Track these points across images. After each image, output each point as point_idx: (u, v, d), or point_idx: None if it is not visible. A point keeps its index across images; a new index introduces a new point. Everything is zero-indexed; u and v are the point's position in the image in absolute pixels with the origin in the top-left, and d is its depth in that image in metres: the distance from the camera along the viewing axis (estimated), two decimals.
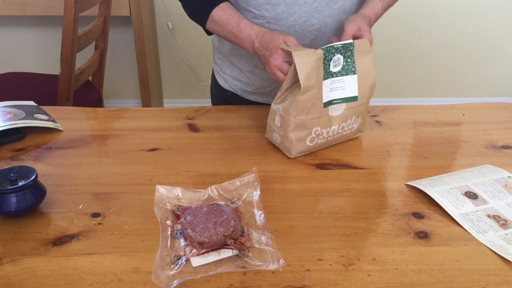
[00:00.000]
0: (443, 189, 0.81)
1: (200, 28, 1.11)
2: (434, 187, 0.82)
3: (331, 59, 0.89)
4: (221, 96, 1.26)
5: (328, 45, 0.88)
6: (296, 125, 0.90)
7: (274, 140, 0.96)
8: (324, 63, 0.88)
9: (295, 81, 0.88)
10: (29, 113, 1.06)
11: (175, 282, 0.62)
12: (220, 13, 1.02)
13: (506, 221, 0.75)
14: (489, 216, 0.76)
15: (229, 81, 1.22)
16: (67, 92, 1.60)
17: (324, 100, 0.91)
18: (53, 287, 0.63)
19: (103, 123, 1.10)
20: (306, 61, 0.85)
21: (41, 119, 1.05)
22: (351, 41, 0.90)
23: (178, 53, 2.69)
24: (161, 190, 0.78)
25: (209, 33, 1.10)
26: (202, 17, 1.05)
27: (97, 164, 0.92)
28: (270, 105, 0.95)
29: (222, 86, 1.24)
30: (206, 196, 0.79)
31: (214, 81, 1.28)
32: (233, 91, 1.22)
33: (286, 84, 0.89)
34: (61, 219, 0.76)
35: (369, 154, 0.96)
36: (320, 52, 0.87)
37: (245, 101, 1.21)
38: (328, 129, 0.94)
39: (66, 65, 1.56)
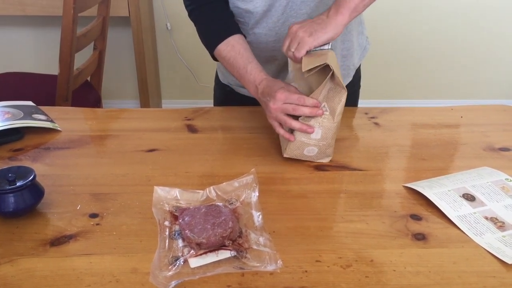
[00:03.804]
0: (441, 191, 0.81)
1: None
2: (432, 189, 0.82)
3: None
4: (222, 92, 1.29)
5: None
6: (337, 129, 0.90)
7: (305, 155, 0.91)
8: None
9: (325, 88, 0.87)
10: (28, 113, 1.06)
11: (173, 283, 0.62)
12: (229, 48, 1.01)
13: (503, 223, 0.75)
14: (486, 218, 0.76)
15: (227, 76, 1.24)
16: (65, 92, 1.60)
17: None
18: None
19: (102, 123, 1.10)
20: (335, 64, 0.86)
21: (39, 119, 1.05)
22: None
23: (177, 53, 2.69)
24: (159, 191, 0.78)
25: (215, 58, 1.10)
26: (210, 47, 1.06)
27: (95, 164, 0.92)
28: None
29: (222, 81, 1.27)
30: (204, 197, 0.79)
31: (216, 77, 1.31)
32: (230, 85, 1.24)
33: (318, 95, 0.87)
34: (59, 220, 0.76)
35: (367, 155, 0.96)
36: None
37: (243, 97, 1.22)
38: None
39: (65, 65, 1.55)
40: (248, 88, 1.00)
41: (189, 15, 1.10)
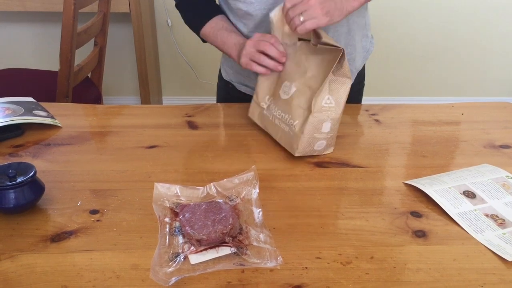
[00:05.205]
0: (441, 188, 0.81)
1: None
2: (433, 186, 0.82)
3: None
4: (224, 89, 1.30)
5: None
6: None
7: (315, 150, 0.91)
8: None
9: (326, 82, 0.87)
10: (28, 110, 1.06)
11: (173, 279, 0.62)
12: (213, 25, 1.09)
13: (503, 220, 0.75)
14: (487, 215, 0.76)
15: (230, 74, 1.25)
16: (66, 88, 1.60)
17: None
18: (51, 284, 0.63)
19: (102, 120, 1.10)
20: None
21: (40, 116, 1.05)
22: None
23: (178, 50, 2.69)
24: (160, 187, 0.78)
25: (204, 40, 1.16)
26: (196, 27, 1.12)
27: (95, 161, 0.92)
28: None
29: (224, 78, 1.28)
30: (205, 194, 0.79)
31: (220, 74, 1.32)
32: (232, 82, 1.25)
33: (320, 93, 0.87)
34: (60, 216, 0.76)
35: (368, 152, 0.96)
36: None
37: (245, 95, 1.22)
38: None
39: (65, 61, 1.55)
40: (230, 51, 1.05)
41: (177, 6, 1.16)
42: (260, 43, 0.94)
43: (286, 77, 0.95)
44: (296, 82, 0.93)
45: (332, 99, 0.88)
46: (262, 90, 1.00)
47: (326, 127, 0.89)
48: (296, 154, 0.91)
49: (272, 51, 0.93)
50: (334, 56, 0.85)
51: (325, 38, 0.88)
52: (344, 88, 0.88)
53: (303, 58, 0.93)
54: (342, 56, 0.85)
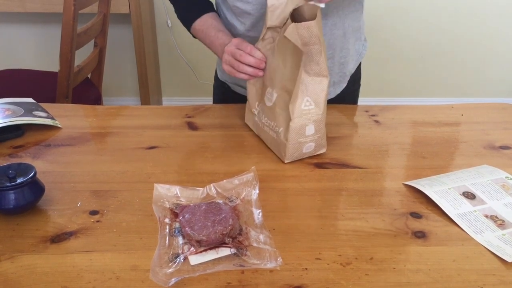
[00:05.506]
0: (441, 189, 0.81)
1: None
2: (432, 187, 0.82)
3: None
4: (220, 90, 1.30)
5: None
6: (325, 117, 0.90)
7: (304, 153, 0.91)
8: None
9: (302, 85, 0.86)
10: (28, 110, 1.06)
11: (173, 280, 0.62)
12: (202, 22, 1.10)
13: (503, 221, 0.75)
14: (486, 216, 0.76)
15: (225, 74, 1.25)
16: (66, 89, 1.60)
17: None
18: (51, 284, 0.63)
19: (102, 120, 1.10)
20: (323, 48, 0.85)
21: (40, 116, 1.05)
22: None
23: (178, 51, 2.69)
24: (160, 188, 0.78)
25: (195, 36, 1.17)
26: (187, 23, 1.13)
27: (95, 161, 0.92)
28: None
29: (220, 78, 1.28)
30: (205, 195, 0.80)
31: (216, 74, 1.32)
32: (227, 82, 1.26)
33: (296, 97, 0.86)
34: (60, 217, 0.76)
35: (367, 153, 0.96)
36: None
37: (240, 96, 1.23)
38: None
39: (65, 62, 1.55)
40: (217, 51, 1.06)
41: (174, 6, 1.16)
42: (236, 53, 0.94)
43: (268, 84, 0.94)
44: (276, 88, 0.92)
45: (311, 100, 0.87)
46: (252, 96, 0.99)
47: (310, 130, 0.88)
48: (286, 161, 0.91)
49: (249, 60, 0.92)
50: (303, 56, 0.84)
51: (313, 26, 0.82)
52: (321, 87, 0.86)
53: (280, 61, 0.91)
54: (309, 56, 0.83)
